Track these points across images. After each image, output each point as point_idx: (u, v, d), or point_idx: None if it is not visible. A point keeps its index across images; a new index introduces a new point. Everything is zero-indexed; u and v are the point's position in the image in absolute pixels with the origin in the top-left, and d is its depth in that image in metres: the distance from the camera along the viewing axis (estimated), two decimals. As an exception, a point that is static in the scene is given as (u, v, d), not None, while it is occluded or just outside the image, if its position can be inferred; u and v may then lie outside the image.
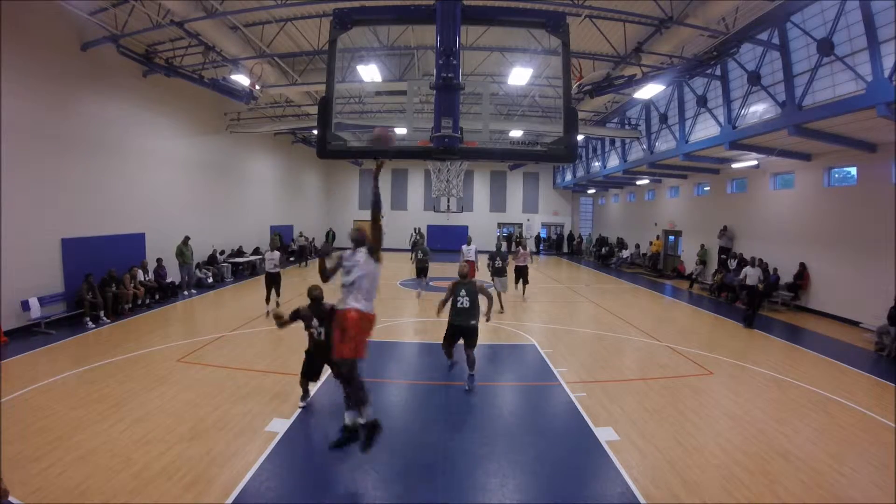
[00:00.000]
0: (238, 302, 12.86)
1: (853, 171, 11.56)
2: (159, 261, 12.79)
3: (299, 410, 5.74)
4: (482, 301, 6.55)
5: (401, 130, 15.29)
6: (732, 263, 14.96)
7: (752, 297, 10.83)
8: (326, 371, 7.14)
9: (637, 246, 22.96)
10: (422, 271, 13.92)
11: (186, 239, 13.57)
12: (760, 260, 12.59)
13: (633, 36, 11.04)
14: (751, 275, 10.84)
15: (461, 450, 4.96)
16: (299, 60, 13.30)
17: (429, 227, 29.81)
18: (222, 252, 16.74)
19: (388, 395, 6.66)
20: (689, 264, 18.09)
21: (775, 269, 13.03)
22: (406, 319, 10.94)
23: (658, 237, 21.74)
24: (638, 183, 22.28)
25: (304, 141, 23.79)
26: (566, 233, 31.27)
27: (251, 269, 18.09)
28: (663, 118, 16.22)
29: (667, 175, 19.13)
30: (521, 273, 13.40)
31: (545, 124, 17.09)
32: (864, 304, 10.54)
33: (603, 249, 25.96)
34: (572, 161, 19.61)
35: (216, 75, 12.38)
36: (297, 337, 9.12)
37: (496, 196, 31.09)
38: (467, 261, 14.07)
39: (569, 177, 28.82)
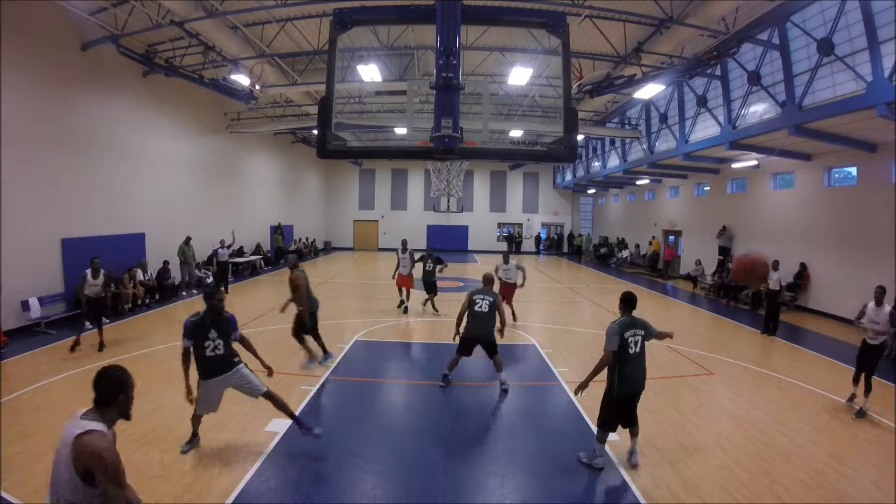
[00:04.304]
0: (238, 302, 12.86)
1: (853, 171, 11.56)
2: (166, 263, 12.84)
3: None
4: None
5: (401, 130, 15.40)
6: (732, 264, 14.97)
7: (775, 304, 10.00)
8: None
9: (637, 246, 22.97)
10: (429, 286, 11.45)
11: (188, 239, 13.56)
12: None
13: (633, 36, 11.04)
14: (773, 280, 9.91)
15: (461, 449, 4.96)
16: (299, 60, 13.30)
17: (428, 226, 29.83)
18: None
19: (388, 394, 6.67)
20: (689, 264, 18.09)
21: (775, 269, 13.04)
22: (406, 319, 10.93)
23: (654, 237, 21.78)
24: (638, 183, 22.28)
25: (304, 141, 23.80)
26: (566, 233, 31.29)
27: (251, 270, 18.14)
28: (663, 118, 16.23)
29: (667, 175, 19.13)
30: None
31: (545, 124, 17.09)
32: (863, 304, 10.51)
33: (602, 249, 25.95)
34: (572, 161, 19.64)
35: (216, 75, 12.38)
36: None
37: (496, 196, 31.11)
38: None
39: (569, 177, 28.83)
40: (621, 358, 4.36)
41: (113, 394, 2.27)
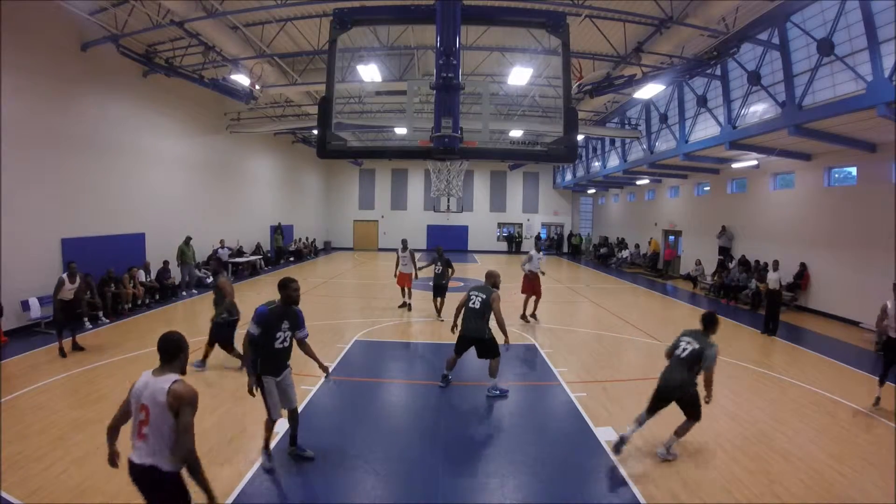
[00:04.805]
0: (239, 302, 12.84)
1: (853, 171, 11.56)
2: (166, 263, 12.86)
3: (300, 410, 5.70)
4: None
5: (401, 130, 15.40)
6: (732, 263, 14.95)
7: (775, 304, 9.95)
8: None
9: (637, 246, 22.97)
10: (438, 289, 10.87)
11: (188, 239, 13.57)
12: (758, 262, 12.51)
13: (633, 36, 11.04)
14: (773, 279, 9.92)
15: (461, 450, 4.96)
16: (299, 60, 13.30)
17: (428, 226, 29.83)
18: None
19: (388, 394, 6.67)
20: (689, 264, 18.10)
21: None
22: (407, 319, 10.93)
23: (652, 237, 21.77)
24: (638, 183, 22.27)
25: (304, 141, 23.82)
26: (566, 233, 31.30)
27: (251, 269, 18.14)
28: (663, 118, 16.22)
29: (667, 175, 19.13)
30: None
31: (545, 124, 17.09)
32: (863, 304, 10.52)
33: (602, 249, 25.97)
34: (572, 161, 19.61)
35: (216, 75, 12.38)
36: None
37: (496, 196, 31.11)
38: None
39: (569, 177, 28.83)
40: (670, 356, 4.79)
41: (176, 352, 2.76)
